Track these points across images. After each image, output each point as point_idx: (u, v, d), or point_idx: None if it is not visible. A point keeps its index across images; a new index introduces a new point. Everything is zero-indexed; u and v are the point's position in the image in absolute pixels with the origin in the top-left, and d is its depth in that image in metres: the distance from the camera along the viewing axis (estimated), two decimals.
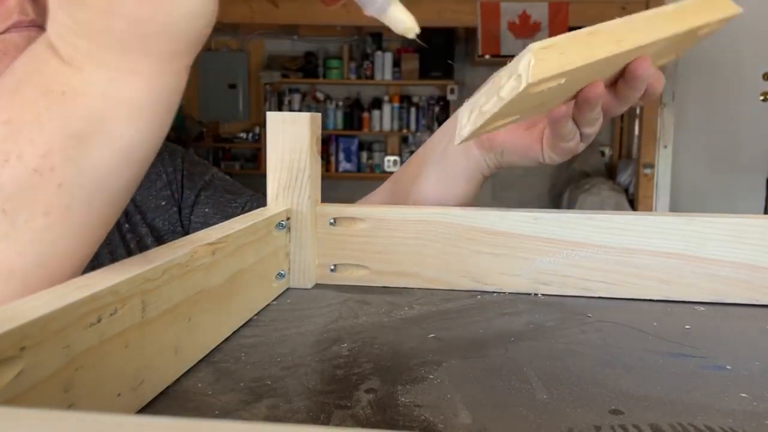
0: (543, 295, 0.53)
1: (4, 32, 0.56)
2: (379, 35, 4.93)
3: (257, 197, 0.79)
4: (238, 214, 0.74)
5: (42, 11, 0.59)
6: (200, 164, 0.81)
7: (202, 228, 0.75)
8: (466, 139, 0.46)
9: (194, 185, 0.78)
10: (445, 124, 0.66)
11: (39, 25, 0.58)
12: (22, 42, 0.57)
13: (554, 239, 0.52)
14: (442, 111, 5.01)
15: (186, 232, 0.75)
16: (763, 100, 3.60)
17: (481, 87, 0.47)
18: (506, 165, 0.62)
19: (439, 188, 0.64)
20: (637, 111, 4.06)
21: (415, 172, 0.66)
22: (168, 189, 0.75)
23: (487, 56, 4.14)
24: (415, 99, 5.10)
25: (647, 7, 3.76)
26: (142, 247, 0.70)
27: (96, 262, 0.65)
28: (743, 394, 0.35)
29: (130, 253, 0.68)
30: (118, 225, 0.69)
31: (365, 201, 0.74)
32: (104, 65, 0.34)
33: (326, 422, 0.32)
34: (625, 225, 0.52)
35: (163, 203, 0.74)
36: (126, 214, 0.70)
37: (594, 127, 0.55)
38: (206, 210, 0.76)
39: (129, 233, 0.70)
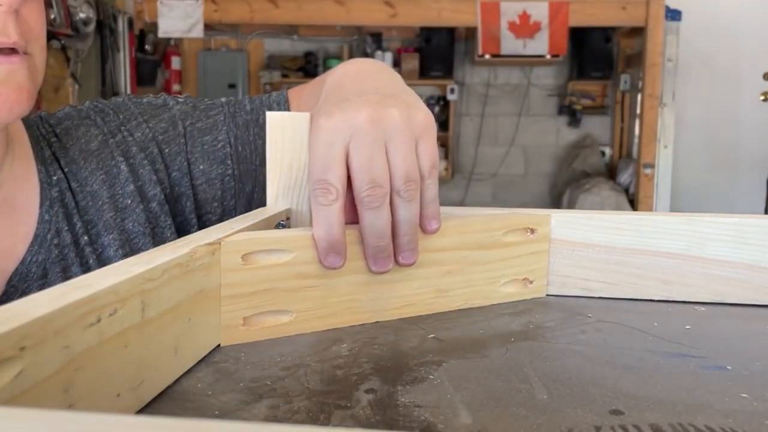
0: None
1: None
2: (378, 35, 4.92)
3: (228, 114, 0.72)
4: (229, 153, 0.70)
5: (25, 30, 0.56)
6: (161, 111, 0.71)
7: (210, 188, 0.69)
8: None
9: (179, 147, 0.70)
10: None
11: (22, 51, 0.55)
12: (1, 75, 0.54)
13: (555, 239, 0.52)
14: (442, 110, 5.01)
15: (154, 231, 0.67)
16: (763, 100, 3.60)
17: None
18: None
19: None
20: (638, 111, 4.06)
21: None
22: (131, 182, 0.66)
23: (487, 56, 4.14)
24: None
25: (647, 7, 3.75)
26: (104, 260, 0.63)
27: (45, 280, 0.60)
28: (743, 394, 0.35)
29: (87, 270, 0.62)
30: (75, 241, 0.63)
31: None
32: None
33: (326, 422, 0.32)
34: (625, 225, 0.52)
35: (129, 201, 0.66)
36: (86, 225, 0.64)
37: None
38: (201, 167, 0.70)
39: (88, 246, 0.63)
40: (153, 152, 0.69)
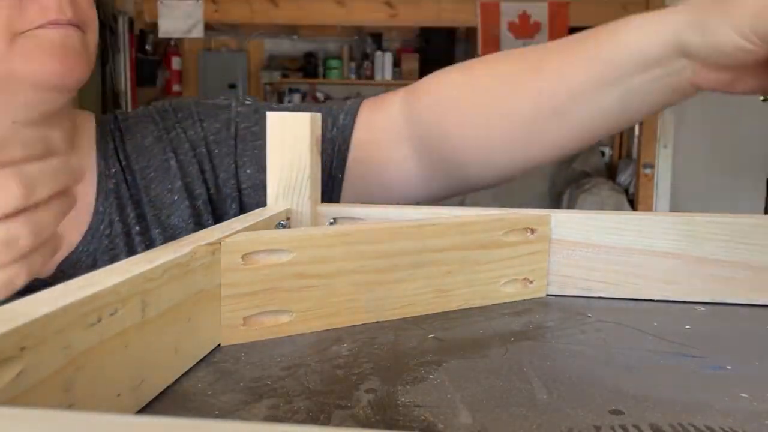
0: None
1: (38, 28, 0.56)
2: (379, 35, 4.92)
3: None
4: None
5: (79, 11, 0.58)
6: (220, 112, 0.71)
7: (254, 194, 0.69)
8: None
9: (228, 149, 0.70)
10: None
11: (76, 25, 0.58)
12: (58, 38, 0.56)
13: (555, 239, 0.52)
14: None
15: (198, 224, 0.68)
16: (763, 100, 3.60)
17: None
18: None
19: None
20: None
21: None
22: (179, 179, 0.68)
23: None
24: None
25: (647, 7, 3.75)
26: None
27: (94, 270, 0.63)
28: (743, 394, 0.35)
29: None
30: (126, 231, 0.65)
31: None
32: None
33: (326, 422, 0.32)
34: (625, 225, 0.51)
35: (176, 197, 0.67)
36: (138, 218, 0.66)
37: None
38: (248, 171, 0.69)
39: (138, 236, 0.65)
40: (202, 152, 0.70)
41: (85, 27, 0.59)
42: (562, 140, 0.60)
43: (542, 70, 0.59)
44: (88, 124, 0.68)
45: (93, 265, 0.62)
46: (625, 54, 0.54)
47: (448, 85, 0.65)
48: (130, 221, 0.65)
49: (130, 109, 4.00)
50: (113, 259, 0.62)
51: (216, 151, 0.70)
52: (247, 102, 0.73)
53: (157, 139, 0.69)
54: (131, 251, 0.64)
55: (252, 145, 0.70)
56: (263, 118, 0.70)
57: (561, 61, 0.57)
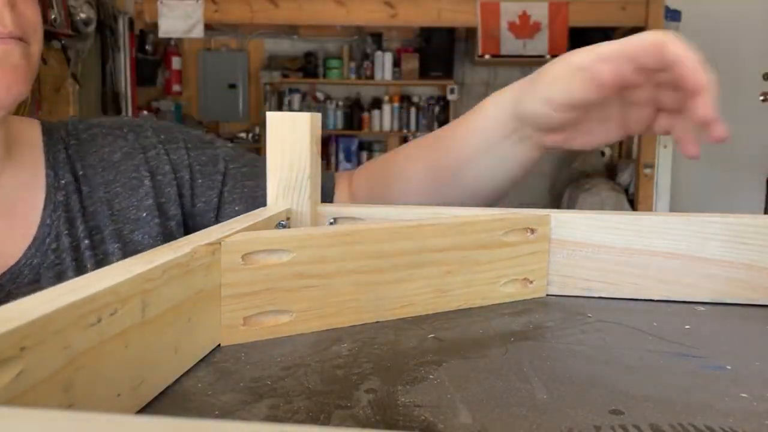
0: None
1: None
2: (379, 35, 4.92)
3: None
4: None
5: (22, 22, 0.57)
6: (205, 147, 0.73)
7: None
8: None
9: (213, 183, 0.71)
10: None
11: (17, 37, 0.56)
12: None
13: (555, 239, 0.52)
14: (442, 111, 5.01)
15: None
16: (763, 100, 3.60)
17: None
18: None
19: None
20: None
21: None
22: (151, 198, 0.67)
23: (487, 56, 4.14)
24: (415, 99, 5.11)
25: (647, 7, 3.75)
26: (104, 266, 0.63)
27: (37, 285, 0.59)
28: (743, 394, 0.35)
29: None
30: (75, 246, 0.63)
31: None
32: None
33: (326, 422, 0.32)
34: (625, 225, 0.52)
35: (144, 214, 0.67)
36: (90, 231, 0.64)
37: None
38: (236, 208, 0.70)
39: (88, 250, 0.63)
40: (184, 177, 0.70)
41: (29, 37, 0.58)
42: (461, 197, 0.67)
43: (436, 146, 0.69)
44: (30, 132, 0.66)
45: (36, 280, 0.60)
46: (476, 137, 0.63)
47: (370, 173, 0.75)
48: (79, 234, 0.63)
49: (130, 110, 4.00)
50: (59, 275, 0.61)
51: (200, 181, 0.70)
52: (229, 145, 0.76)
53: (127, 155, 0.68)
54: (79, 266, 0.62)
55: (242, 184, 0.71)
56: (250, 161, 0.74)
57: (447, 137, 0.68)
